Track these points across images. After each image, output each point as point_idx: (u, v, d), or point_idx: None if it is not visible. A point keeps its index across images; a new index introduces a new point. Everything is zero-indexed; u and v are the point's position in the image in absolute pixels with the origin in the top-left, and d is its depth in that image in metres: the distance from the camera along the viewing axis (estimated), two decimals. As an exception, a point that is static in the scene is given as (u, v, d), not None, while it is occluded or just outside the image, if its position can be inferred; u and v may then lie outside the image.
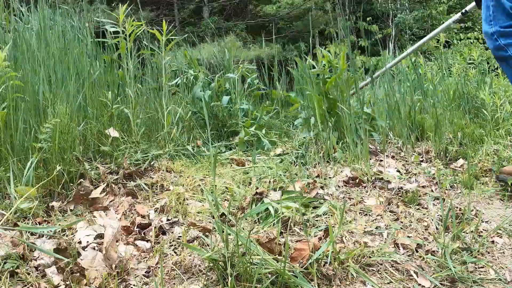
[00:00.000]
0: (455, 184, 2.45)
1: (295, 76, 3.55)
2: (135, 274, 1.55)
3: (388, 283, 1.51)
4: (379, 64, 3.92)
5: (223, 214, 1.97)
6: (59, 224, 1.87)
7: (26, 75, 2.50)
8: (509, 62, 2.41)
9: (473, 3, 3.12)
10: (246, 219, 1.96)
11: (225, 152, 3.21)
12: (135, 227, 1.91)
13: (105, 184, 2.34)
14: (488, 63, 5.88)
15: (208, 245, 1.69)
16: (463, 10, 3.34)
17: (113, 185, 2.36)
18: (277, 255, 1.50)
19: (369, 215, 2.04)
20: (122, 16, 3.01)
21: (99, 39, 3.24)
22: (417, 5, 15.87)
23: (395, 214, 2.04)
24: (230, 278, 1.37)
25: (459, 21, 3.54)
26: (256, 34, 14.83)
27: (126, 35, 3.07)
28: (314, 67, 3.26)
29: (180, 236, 1.81)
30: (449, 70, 5.05)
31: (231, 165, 2.87)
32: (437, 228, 1.89)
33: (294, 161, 2.84)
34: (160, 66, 3.25)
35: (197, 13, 15.49)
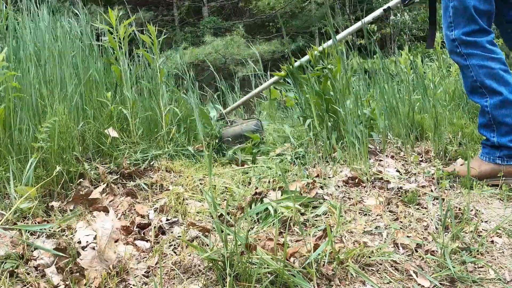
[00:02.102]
0: (454, 184, 2.45)
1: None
2: (135, 274, 1.55)
3: (388, 283, 1.51)
4: (373, 66, 3.88)
5: (222, 214, 1.97)
6: (58, 220, 1.87)
7: (25, 76, 2.51)
8: (464, 71, 2.43)
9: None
10: (245, 219, 1.96)
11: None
12: (135, 227, 1.91)
13: (105, 184, 2.34)
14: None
15: (207, 245, 1.69)
16: (385, 6, 3.12)
17: (113, 185, 2.37)
18: (276, 255, 1.50)
19: (369, 215, 2.04)
20: (113, 20, 3.02)
21: (98, 43, 3.24)
22: (416, 5, 15.86)
23: (394, 214, 2.04)
24: (229, 278, 1.38)
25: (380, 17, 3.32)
26: (254, 33, 14.87)
27: (120, 38, 3.08)
28: (312, 67, 3.25)
29: (180, 236, 1.81)
30: (448, 70, 5.04)
31: (231, 165, 2.87)
32: (436, 228, 1.89)
33: (294, 161, 2.84)
34: (155, 67, 3.25)
35: (196, 13, 15.50)
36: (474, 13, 2.34)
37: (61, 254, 1.54)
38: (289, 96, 3.65)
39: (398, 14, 15.01)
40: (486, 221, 1.99)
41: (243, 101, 3.76)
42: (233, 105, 3.88)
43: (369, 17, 3.26)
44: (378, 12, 3.20)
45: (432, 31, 2.78)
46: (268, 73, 4.76)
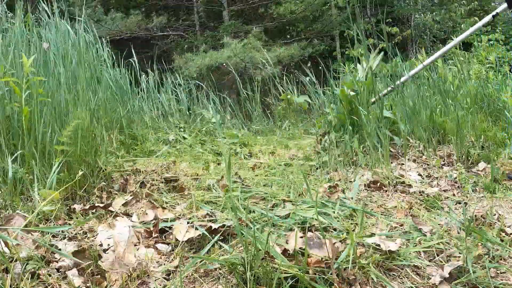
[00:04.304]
0: (477, 188, 2.42)
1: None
2: (155, 277, 1.56)
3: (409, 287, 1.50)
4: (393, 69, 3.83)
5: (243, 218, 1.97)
6: (77, 222, 1.89)
7: (48, 82, 2.55)
8: None
9: (505, 5, 3.01)
10: (266, 222, 1.96)
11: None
12: (156, 230, 1.92)
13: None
14: (510, 64, 5.81)
15: (227, 249, 1.69)
16: (494, 13, 3.19)
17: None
18: (296, 259, 1.50)
19: (391, 219, 2.03)
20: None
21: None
22: (437, 7, 15.72)
23: (416, 218, 2.02)
24: (249, 282, 1.37)
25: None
26: (275, 36, 14.86)
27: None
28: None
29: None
30: (469, 73, 4.99)
31: (253, 170, 2.88)
32: (458, 233, 1.87)
33: (316, 165, 2.83)
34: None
35: (217, 17, 15.52)
36: None
37: (77, 260, 1.55)
38: (300, 101, 3.64)
39: (422, 15, 14.90)
40: (509, 226, 1.96)
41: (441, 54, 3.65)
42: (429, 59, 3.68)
43: (479, 24, 3.32)
44: (487, 18, 3.28)
45: None
46: (285, 77, 4.76)
